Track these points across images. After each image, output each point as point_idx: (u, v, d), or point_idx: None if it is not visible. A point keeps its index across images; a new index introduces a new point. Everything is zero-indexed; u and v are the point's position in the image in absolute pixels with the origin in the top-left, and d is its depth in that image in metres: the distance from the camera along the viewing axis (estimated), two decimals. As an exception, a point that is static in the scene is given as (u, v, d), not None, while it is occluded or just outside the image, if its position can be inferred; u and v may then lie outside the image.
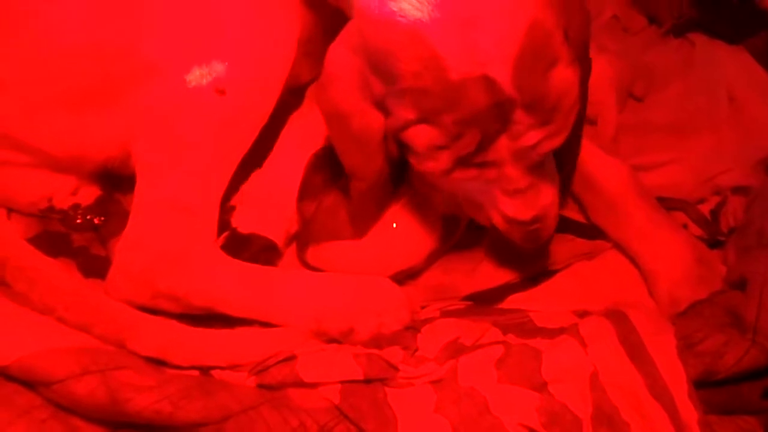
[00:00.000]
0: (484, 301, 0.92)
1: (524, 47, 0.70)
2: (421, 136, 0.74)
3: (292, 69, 0.87)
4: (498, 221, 0.82)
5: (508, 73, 0.70)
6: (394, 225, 0.89)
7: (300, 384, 0.77)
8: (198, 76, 0.81)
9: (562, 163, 0.86)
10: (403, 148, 0.78)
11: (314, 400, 0.76)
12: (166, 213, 0.83)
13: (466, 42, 0.70)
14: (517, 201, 0.79)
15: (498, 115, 0.72)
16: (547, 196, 0.80)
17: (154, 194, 0.83)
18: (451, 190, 0.85)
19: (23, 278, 0.80)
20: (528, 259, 0.94)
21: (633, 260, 0.94)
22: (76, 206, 0.91)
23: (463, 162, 0.75)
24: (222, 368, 0.80)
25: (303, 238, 0.92)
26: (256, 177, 0.94)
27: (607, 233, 0.96)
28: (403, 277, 0.91)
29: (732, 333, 0.80)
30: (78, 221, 0.92)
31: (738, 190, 0.99)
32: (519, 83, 0.71)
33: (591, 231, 0.97)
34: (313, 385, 0.77)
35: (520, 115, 0.72)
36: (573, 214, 0.99)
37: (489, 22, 0.70)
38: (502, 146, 0.74)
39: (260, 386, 0.78)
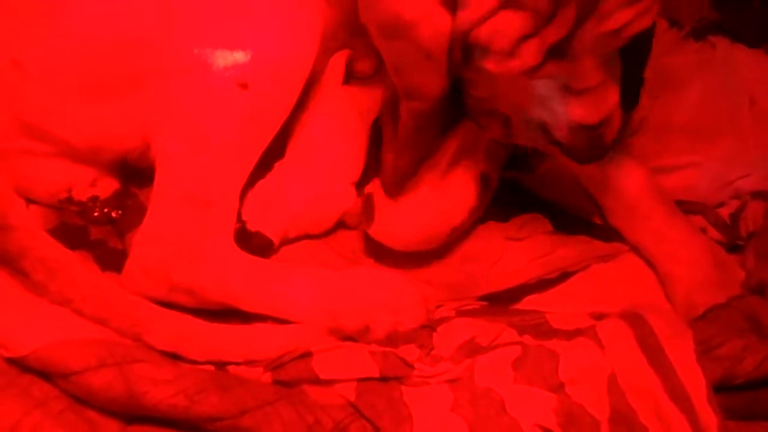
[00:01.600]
0: (500, 302, 0.91)
1: None
2: (506, 26, 0.66)
3: (314, 65, 0.87)
4: (561, 130, 0.75)
5: None
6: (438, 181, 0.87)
7: (316, 381, 0.77)
8: (220, 69, 0.81)
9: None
10: (465, 61, 0.71)
11: (330, 397, 0.76)
12: (184, 207, 0.83)
13: None
14: (585, 102, 0.73)
15: None
16: (613, 96, 0.75)
17: (172, 188, 0.83)
18: (511, 109, 0.77)
19: (42, 269, 0.80)
20: (544, 260, 0.94)
21: (650, 263, 0.93)
22: (94, 198, 0.91)
23: (549, 56, 0.68)
24: (238, 364, 0.80)
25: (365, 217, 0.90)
26: (278, 168, 0.94)
27: (624, 236, 0.95)
28: (454, 235, 0.91)
29: (751, 338, 0.80)
30: (96, 214, 0.92)
31: (758, 194, 0.98)
32: None
33: (608, 233, 0.97)
34: (329, 382, 0.77)
35: None
36: (591, 216, 0.98)
37: None
38: (587, 32, 0.68)
39: (276, 382, 0.78)
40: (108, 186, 0.92)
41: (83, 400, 0.75)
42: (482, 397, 0.76)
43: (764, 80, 1.06)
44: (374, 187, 0.90)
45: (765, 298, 0.85)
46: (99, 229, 0.92)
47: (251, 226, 0.89)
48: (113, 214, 0.92)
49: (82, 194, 0.91)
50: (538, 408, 0.75)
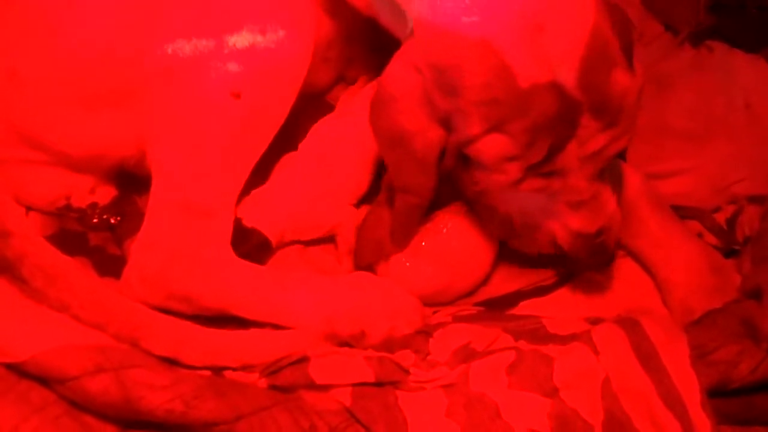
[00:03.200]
0: (496, 307, 0.92)
1: (588, 50, 0.71)
2: (491, 148, 0.73)
3: (310, 74, 0.88)
4: (562, 238, 0.81)
5: (575, 77, 0.71)
6: (453, 240, 0.88)
7: (312, 386, 0.77)
8: (214, 79, 0.82)
9: None
10: (461, 166, 0.78)
11: (325, 402, 0.77)
12: (180, 215, 0.84)
13: (532, 48, 0.70)
14: (582, 213, 0.79)
15: (566, 120, 0.72)
16: (610, 204, 0.80)
17: (168, 196, 0.84)
18: (510, 210, 0.83)
19: (41, 275, 0.80)
20: (540, 266, 0.94)
21: (646, 268, 0.94)
22: (93, 205, 0.92)
23: (531, 172, 0.75)
24: (234, 369, 0.80)
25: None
26: (279, 170, 0.94)
27: (620, 241, 0.95)
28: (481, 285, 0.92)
29: (746, 343, 0.80)
30: (94, 221, 0.92)
31: (754, 199, 0.98)
32: (585, 87, 0.71)
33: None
34: (324, 387, 0.77)
35: (587, 119, 0.73)
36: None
37: (553, 27, 0.71)
38: (570, 152, 0.74)
39: (272, 387, 0.78)
40: (106, 193, 0.93)
41: (81, 405, 0.76)
42: (477, 402, 0.76)
43: (760, 84, 1.07)
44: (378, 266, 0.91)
45: (761, 303, 0.85)
46: (98, 236, 0.93)
47: (247, 222, 0.90)
48: (112, 221, 0.93)
49: (81, 201, 0.92)
50: (532, 413, 0.75)
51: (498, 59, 0.71)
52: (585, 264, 0.85)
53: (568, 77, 0.71)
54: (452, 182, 0.84)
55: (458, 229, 0.89)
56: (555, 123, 0.72)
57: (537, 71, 0.71)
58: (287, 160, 0.95)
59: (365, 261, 0.90)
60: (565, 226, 0.80)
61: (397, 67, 0.77)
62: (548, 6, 0.71)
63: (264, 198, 0.92)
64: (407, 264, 0.89)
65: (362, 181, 0.95)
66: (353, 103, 0.98)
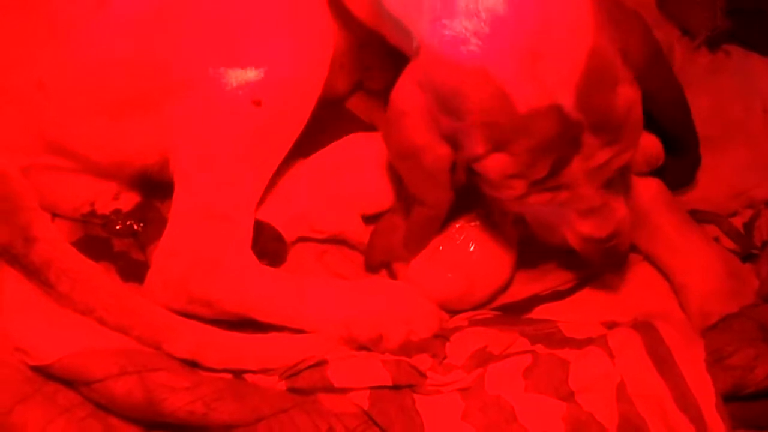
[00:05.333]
0: (512, 311, 0.92)
1: (586, 73, 0.72)
2: (494, 167, 0.75)
3: (327, 82, 0.89)
4: (574, 242, 0.83)
5: (573, 99, 0.72)
6: (471, 248, 0.89)
7: (330, 389, 0.79)
8: (235, 87, 0.83)
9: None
10: (475, 176, 0.80)
11: (343, 405, 0.78)
12: (202, 221, 0.85)
13: (529, 74, 0.72)
14: (592, 220, 0.80)
15: (568, 140, 0.74)
16: (620, 210, 0.81)
17: (190, 203, 0.86)
18: (524, 215, 0.86)
19: (66, 280, 0.82)
20: (557, 270, 0.95)
21: (663, 273, 0.94)
22: (117, 212, 0.94)
23: (536, 187, 0.76)
24: (254, 372, 0.82)
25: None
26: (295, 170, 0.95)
27: (637, 246, 0.95)
28: (499, 293, 0.92)
29: (763, 347, 0.80)
30: (118, 227, 0.94)
31: (772, 203, 0.98)
32: (584, 108, 0.73)
33: (621, 243, 0.97)
34: (342, 390, 0.78)
35: (588, 137, 0.74)
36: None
37: (550, 53, 0.72)
38: (575, 168, 0.75)
39: (291, 390, 0.80)
40: (130, 199, 0.95)
41: (105, 407, 0.78)
42: (493, 406, 0.77)
43: (778, 89, 1.06)
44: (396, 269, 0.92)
45: (778, 307, 0.85)
46: (121, 241, 0.94)
47: (259, 216, 0.91)
48: (135, 227, 0.94)
49: (105, 208, 0.93)
50: (547, 416, 0.76)
51: (495, 87, 0.72)
52: (597, 265, 0.86)
53: (567, 100, 0.72)
54: (470, 192, 0.85)
55: (477, 239, 0.90)
56: (556, 143, 0.73)
57: (535, 96, 0.72)
58: (304, 164, 0.96)
59: (375, 264, 0.92)
60: (576, 232, 0.82)
61: (404, 84, 0.79)
62: (545, 32, 0.72)
63: (278, 196, 0.93)
64: (426, 270, 0.89)
65: (380, 194, 0.96)
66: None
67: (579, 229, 0.81)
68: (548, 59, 0.72)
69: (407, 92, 0.79)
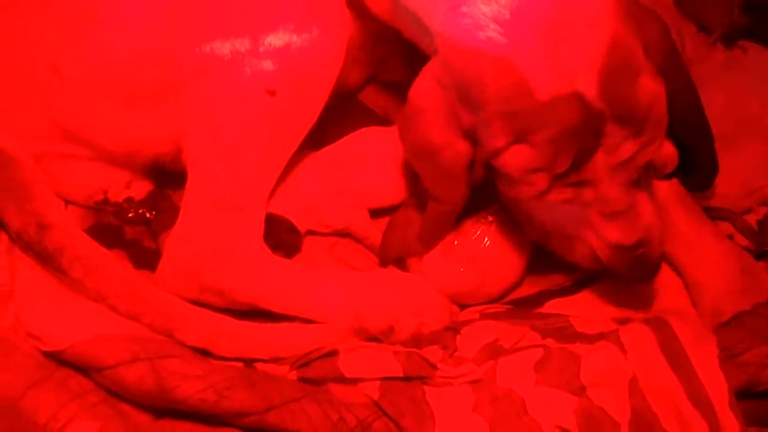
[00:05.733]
0: (523, 305, 0.92)
1: (608, 60, 0.71)
2: (515, 160, 0.74)
3: (341, 74, 0.89)
4: (601, 249, 0.80)
5: (595, 87, 0.71)
6: (485, 243, 0.89)
7: (341, 379, 0.79)
8: (249, 76, 0.83)
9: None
10: (493, 174, 0.79)
11: (354, 396, 0.78)
12: (214, 210, 0.85)
13: (550, 62, 0.71)
14: (617, 224, 0.78)
15: (590, 131, 0.73)
16: (647, 214, 0.79)
17: (203, 192, 0.86)
18: (543, 220, 0.83)
19: (79, 266, 0.83)
20: (568, 265, 0.94)
21: (676, 269, 0.93)
22: (129, 200, 0.94)
23: (559, 182, 0.75)
24: (265, 361, 0.82)
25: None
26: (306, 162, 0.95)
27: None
28: (510, 291, 0.92)
29: (775, 345, 0.80)
30: (130, 215, 0.94)
31: (786, 201, 0.98)
32: (606, 96, 0.72)
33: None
34: (353, 381, 0.79)
35: (612, 128, 0.73)
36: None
37: (571, 40, 0.72)
38: (599, 163, 0.74)
39: (302, 380, 0.80)
40: (142, 188, 0.95)
41: (117, 393, 0.78)
42: (503, 398, 0.77)
43: (794, 86, 1.06)
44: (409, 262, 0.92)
45: (792, 306, 0.84)
46: (134, 229, 0.95)
47: (273, 210, 0.91)
48: (147, 215, 0.95)
49: (117, 196, 0.94)
50: (559, 410, 0.75)
51: (516, 74, 0.72)
52: (626, 278, 0.83)
53: (589, 88, 0.71)
54: (486, 188, 0.84)
55: (491, 234, 0.89)
56: (579, 133, 0.72)
57: (556, 84, 0.71)
58: (315, 157, 0.96)
59: (389, 258, 0.91)
60: (601, 238, 0.79)
61: (423, 82, 0.79)
62: (566, 19, 0.72)
63: (289, 189, 0.93)
64: (439, 263, 0.89)
65: (390, 192, 0.96)
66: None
67: (605, 235, 0.78)
68: (569, 46, 0.71)
69: (426, 89, 0.78)
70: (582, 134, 0.73)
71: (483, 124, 0.75)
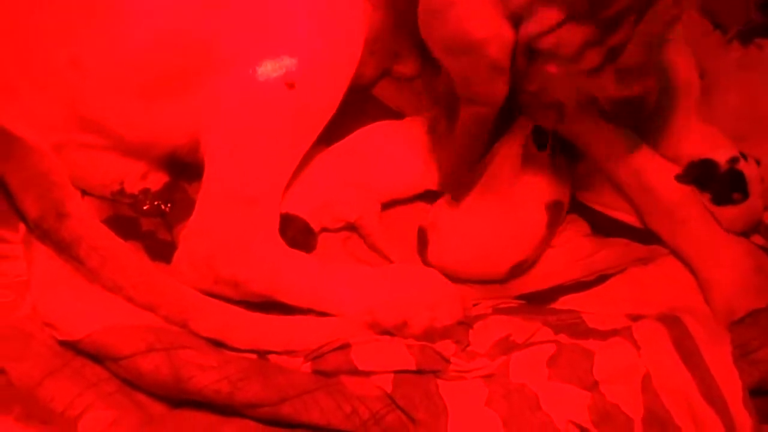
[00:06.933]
0: (536, 301, 0.92)
1: None
2: (571, 36, 0.70)
3: (357, 67, 0.88)
4: (609, 104, 0.77)
5: None
6: (497, 214, 0.89)
7: (354, 372, 0.79)
8: (268, 69, 0.83)
9: None
10: (536, 57, 0.74)
11: (367, 388, 0.78)
12: (230, 203, 0.85)
13: None
14: (629, 79, 0.75)
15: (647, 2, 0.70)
16: (652, 72, 0.76)
17: (220, 184, 0.86)
18: (569, 90, 0.79)
19: (96, 257, 0.83)
20: (582, 262, 0.95)
21: (690, 267, 0.93)
22: (145, 191, 0.94)
23: (611, 56, 0.72)
24: (279, 353, 0.82)
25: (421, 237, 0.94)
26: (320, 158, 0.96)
27: (663, 239, 0.95)
28: (518, 271, 0.92)
29: (790, 343, 0.79)
30: (146, 206, 0.95)
31: (801, 199, 0.97)
32: None
33: (647, 236, 0.97)
34: (366, 374, 0.79)
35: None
36: (629, 218, 0.98)
37: None
38: (640, 33, 0.72)
39: (315, 372, 0.80)
40: (158, 180, 0.95)
41: (132, 383, 0.79)
42: (516, 393, 0.77)
43: (811, 84, 1.05)
44: (427, 221, 0.92)
45: (806, 304, 0.84)
46: (149, 221, 0.95)
47: (287, 209, 0.91)
48: (163, 207, 0.95)
49: (133, 187, 0.94)
50: (572, 405, 0.76)
51: None
52: (623, 122, 0.83)
53: None
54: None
55: (505, 206, 0.90)
56: (638, 7, 0.69)
57: None
58: (327, 152, 0.97)
59: (448, 182, 0.88)
60: (613, 92, 0.76)
61: None
62: None
63: (302, 185, 0.93)
64: (446, 234, 0.90)
65: (401, 185, 0.96)
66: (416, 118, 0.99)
67: (617, 91, 0.75)
68: None
69: None
70: (642, 7, 0.70)
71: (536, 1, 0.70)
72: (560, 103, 0.81)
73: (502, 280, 0.93)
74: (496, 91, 0.76)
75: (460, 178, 0.85)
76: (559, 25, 0.70)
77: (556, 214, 0.93)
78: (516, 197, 0.91)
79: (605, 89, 0.76)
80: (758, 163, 0.94)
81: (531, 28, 0.72)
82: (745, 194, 0.92)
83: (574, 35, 0.70)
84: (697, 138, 0.96)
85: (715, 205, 0.92)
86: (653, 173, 0.94)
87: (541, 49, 0.73)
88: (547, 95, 0.79)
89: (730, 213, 0.93)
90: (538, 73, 0.76)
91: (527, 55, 0.74)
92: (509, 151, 0.92)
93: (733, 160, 0.92)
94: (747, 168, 0.93)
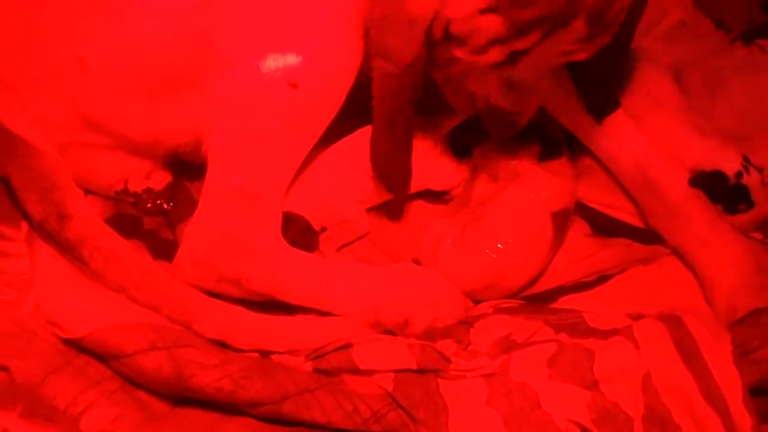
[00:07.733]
0: (537, 301, 0.92)
1: None
2: (486, 27, 0.73)
3: (360, 66, 0.88)
4: (482, 107, 0.83)
5: None
6: (504, 238, 0.89)
7: (355, 371, 0.79)
8: (272, 68, 0.83)
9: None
10: (450, 40, 0.76)
11: (368, 387, 0.78)
12: (233, 201, 0.86)
13: None
14: (515, 94, 0.80)
15: (563, 20, 0.72)
16: (538, 96, 0.81)
17: (223, 183, 0.86)
18: (476, 91, 0.84)
19: (99, 257, 0.83)
20: (583, 263, 0.95)
21: (691, 266, 0.93)
22: (148, 190, 0.95)
23: (511, 59, 0.75)
24: (280, 353, 0.83)
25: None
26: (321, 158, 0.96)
27: (665, 238, 0.95)
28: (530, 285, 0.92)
29: (791, 342, 0.79)
30: (149, 205, 0.95)
31: (803, 199, 0.97)
32: None
33: (648, 236, 0.97)
34: (367, 373, 0.79)
35: (579, 24, 0.73)
36: (631, 218, 0.99)
37: None
38: (542, 49, 0.74)
39: (316, 371, 0.80)
40: (161, 179, 0.96)
41: (135, 381, 0.79)
42: (517, 392, 0.77)
43: (813, 84, 1.05)
44: (422, 254, 0.92)
45: (807, 304, 0.84)
46: (152, 220, 0.96)
47: (290, 208, 0.92)
48: (165, 206, 0.96)
49: (137, 186, 0.95)
50: (572, 404, 0.76)
51: None
52: (493, 132, 0.86)
53: None
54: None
55: (510, 228, 0.89)
56: (554, 19, 0.72)
57: None
58: (329, 152, 0.97)
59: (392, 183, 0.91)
60: (489, 100, 0.81)
61: None
62: None
63: (302, 185, 0.93)
64: (455, 257, 0.90)
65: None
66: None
67: (501, 101, 0.81)
68: None
69: None
70: (556, 21, 0.72)
71: None
72: (473, 93, 0.83)
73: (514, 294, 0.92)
74: (405, 49, 0.78)
75: (393, 168, 0.88)
76: (476, 14, 0.73)
77: (562, 222, 0.93)
78: (520, 212, 0.91)
79: (488, 92, 0.80)
80: (760, 171, 0.96)
81: (451, 8, 0.74)
82: (750, 204, 0.94)
83: (487, 27, 0.73)
84: (698, 152, 0.96)
85: (726, 214, 0.95)
86: (659, 169, 0.94)
87: (455, 33, 0.75)
88: (456, 81, 0.83)
89: (739, 220, 0.95)
90: (446, 53, 0.79)
91: (444, 33, 0.76)
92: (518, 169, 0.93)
93: (738, 175, 0.95)
94: (750, 179, 0.95)
